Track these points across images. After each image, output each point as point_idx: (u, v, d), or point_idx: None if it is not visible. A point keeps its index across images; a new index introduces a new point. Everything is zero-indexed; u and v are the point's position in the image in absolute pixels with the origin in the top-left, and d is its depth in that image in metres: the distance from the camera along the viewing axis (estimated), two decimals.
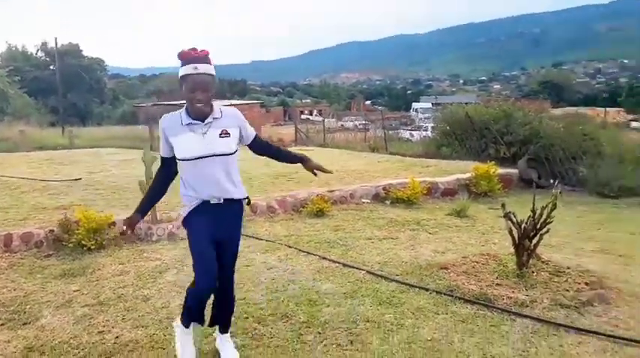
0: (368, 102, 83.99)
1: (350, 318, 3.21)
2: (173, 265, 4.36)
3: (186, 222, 2.51)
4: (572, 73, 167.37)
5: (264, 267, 4.28)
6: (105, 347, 2.85)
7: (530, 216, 3.95)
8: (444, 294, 3.60)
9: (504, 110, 10.66)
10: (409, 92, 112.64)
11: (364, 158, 11.68)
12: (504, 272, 3.91)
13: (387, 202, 7.24)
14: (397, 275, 4.05)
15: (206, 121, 2.42)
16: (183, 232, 5.22)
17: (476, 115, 11.36)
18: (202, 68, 2.35)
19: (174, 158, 2.47)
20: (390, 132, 22.41)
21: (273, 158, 2.75)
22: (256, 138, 2.65)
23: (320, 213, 6.29)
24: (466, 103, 14.50)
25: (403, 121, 36.36)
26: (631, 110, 33.10)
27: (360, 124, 29.74)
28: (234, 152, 2.49)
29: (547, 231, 3.87)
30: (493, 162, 8.57)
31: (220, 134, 2.43)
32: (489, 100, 13.10)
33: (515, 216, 3.97)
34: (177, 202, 6.14)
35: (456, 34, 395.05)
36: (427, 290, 3.69)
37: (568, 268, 3.97)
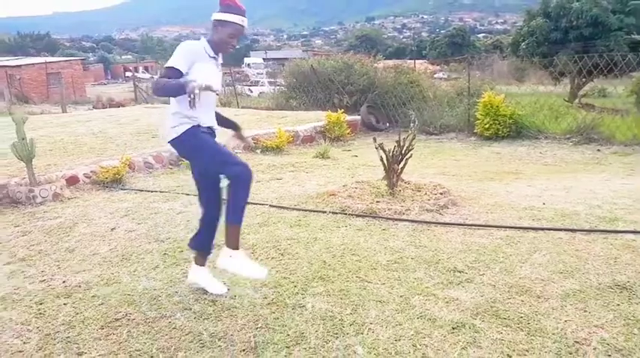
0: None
1: (273, 239, 3.76)
2: (80, 220, 4.36)
3: (189, 133, 2.61)
4: (383, 28, 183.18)
5: (173, 212, 4.53)
6: (57, 291, 2.97)
7: (395, 146, 4.86)
8: (339, 213, 4.35)
9: (345, 62, 11.71)
10: (237, 47, 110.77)
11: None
12: (379, 193, 4.80)
13: (258, 151, 7.76)
14: (295, 205, 4.68)
15: (218, 59, 2.71)
16: (68, 192, 5.11)
17: (320, 68, 12.27)
18: (246, 22, 2.66)
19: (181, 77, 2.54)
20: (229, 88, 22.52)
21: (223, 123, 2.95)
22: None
23: None
24: (302, 59, 15.36)
25: (237, 77, 36.24)
26: (434, 61, 37.75)
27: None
28: None
29: (411, 156, 4.83)
30: (342, 111, 9.58)
31: (220, 70, 2.75)
32: (328, 54, 14.13)
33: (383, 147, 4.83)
34: (56, 163, 5.99)
35: None
36: (324, 212, 4.40)
37: (424, 185, 5.03)
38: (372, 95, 11.25)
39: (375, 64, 12.02)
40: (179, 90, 2.46)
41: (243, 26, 2.66)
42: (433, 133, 10.12)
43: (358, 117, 10.80)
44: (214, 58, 2.70)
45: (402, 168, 4.83)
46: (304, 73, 12.40)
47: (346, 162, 7.33)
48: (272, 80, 33.51)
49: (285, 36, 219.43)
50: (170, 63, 2.51)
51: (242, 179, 2.56)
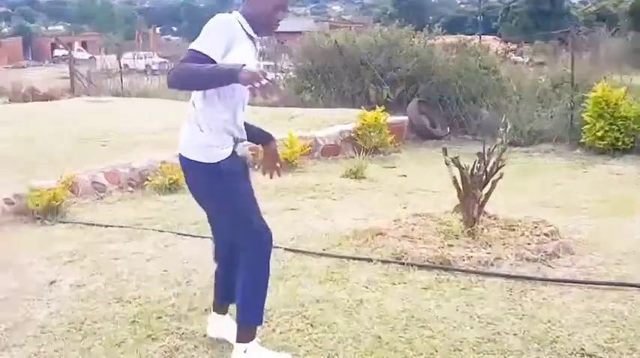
0: (157, 30, 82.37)
1: (295, 302, 3.68)
2: (1, 269, 4.34)
3: (220, 170, 2.77)
4: None
5: (142, 258, 4.49)
6: None
7: (476, 162, 4.80)
8: (393, 263, 4.27)
9: (386, 37, 11.78)
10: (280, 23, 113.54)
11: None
12: (451, 232, 4.72)
13: (256, 166, 7.78)
14: (324, 249, 4.61)
15: (256, 38, 2.87)
16: None
17: (348, 46, 12.38)
18: None
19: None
20: None
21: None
22: None
23: (174, 187, 6.56)
24: (316, 32, 15.50)
25: None
26: (509, 38, 37.88)
27: (154, 64, 29.53)
28: None
29: (500, 177, 4.76)
30: (382, 109, 9.59)
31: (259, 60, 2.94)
32: (359, 26, 14.22)
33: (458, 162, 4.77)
34: None
35: None
36: (370, 260, 4.33)
37: (519, 222, 4.94)
38: (425, 86, 11.30)
39: (431, 41, 12.05)
40: (224, 80, 2.58)
41: None
42: (519, 143, 10.10)
43: (405, 119, 10.83)
44: (251, 39, 2.83)
45: (488, 195, 4.76)
46: (325, 52, 12.49)
47: (391, 184, 7.33)
48: (270, 64, 34.03)
49: None
50: (198, 46, 2.63)
51: (259, 255, 2.88)
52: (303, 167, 8.10)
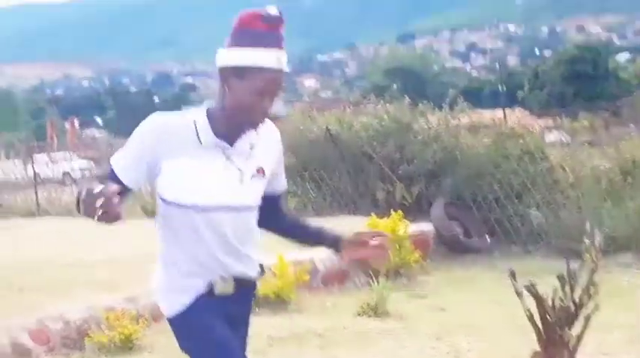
0: (76, 123, 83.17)
1: None
2: None
3: (182, 320, 2.74)
4: (432, 52, 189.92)
5: None
6: None
7: (558, 290, 4.62)
8: None
9: (395, 120, 11.83)
10: (158, 99, 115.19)
11: (147, 231, 11.79)
12: None
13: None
14: None
15: (239, 145, 2.69)
16: None
17: (343, 132, 12.46)
18: (283, 59, 2.64)
19: (130, 192, 2.65)
20: None
21: (286, 229, 3.03)
22: (283, 193, 3.00)
23: (128, 345, 6.36)
24: (289, 115, 15.60)
25: None
26: (542, 112, 38.52)
27: (75, 170, 29.56)
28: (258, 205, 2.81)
29: (596, 309, 4.58)
30: (399, 213, 9.48)
31: (254, 174, 2.73)
32: (358, 103, 14.32)
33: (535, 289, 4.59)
34: None
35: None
36: None
37: None
38: (451, 182, 11.23)
39: (454, 121, 12.13)
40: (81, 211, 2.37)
41: (280, 70, 2.64)
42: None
43: (429, 227, 10.72)
44: (219, 145, 2.67)
45: (580, 337, 4.56)
46: (313, 143, 12.48)
47: (428, 322, 7.18)
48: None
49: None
50: (113, 160, 2.68)
51: None
52: (302, 303, 7.90)
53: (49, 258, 9.37)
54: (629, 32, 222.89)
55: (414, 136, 11.77)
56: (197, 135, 2.62)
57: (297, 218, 3.14)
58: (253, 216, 2.80)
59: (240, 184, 2.69)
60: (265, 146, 2.78)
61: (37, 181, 19.62)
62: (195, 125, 2.63)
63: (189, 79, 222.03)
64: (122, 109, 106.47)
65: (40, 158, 28.54)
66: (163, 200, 2.67)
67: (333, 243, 2.97)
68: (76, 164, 30.18)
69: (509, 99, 49.31)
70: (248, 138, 2.70)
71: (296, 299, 7.92)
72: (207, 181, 2.63)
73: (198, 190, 2.61)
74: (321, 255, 9.00)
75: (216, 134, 2.64)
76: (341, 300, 8.22)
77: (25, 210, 16.94)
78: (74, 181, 25.63)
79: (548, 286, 4.67)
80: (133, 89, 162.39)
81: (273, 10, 2.61)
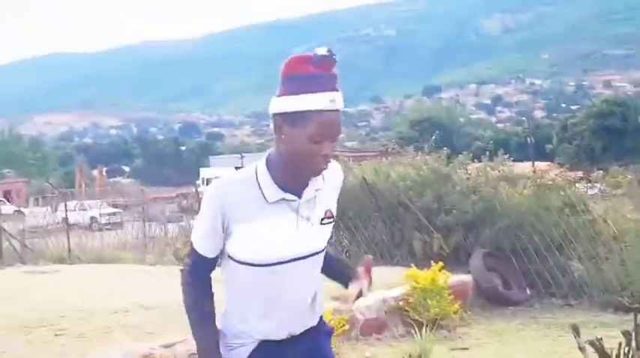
0: (104, 171, 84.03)
1: None
2: None
3: None
4: (458, 104, 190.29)
5: None
6: None
7: (622, 345, 4.43)
8: None
9: (433, 170, 11.70)
10: (185, 148, 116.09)
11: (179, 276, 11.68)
12: None
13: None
14: None
15: (306, 195, 2.65)
16: None
17: (379, 181, 12.35)
18: (338, 99, 2.56)
19: (217, 259, 2.69)
20: (171, 224, 22.97)
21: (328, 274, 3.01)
22: None
23: None
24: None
25: (188, 203, 36.99)
26: (574, 166, 38.39)
27: (103, 216, 29.73)
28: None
29: None
30: (441, 264, 9.33)
31: (323, 218, 2.72)
32: (393, 153, 14.21)
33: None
34: None
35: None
36: None
37: None
38: (491, 233, 11.07)
39: (494, 171, 11.98)
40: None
41: (335, 111, 2.55)
42: (631, 308, 9.70)
43: (468, 278, 10.56)
44: (286, 200, 2.63)
45: None
46: (348, 192, 12.34)
47: None
48: None
49: (272, 124, 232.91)
50: (193, 239, 2.73)
51: None
52: (341, 354, 7.72)
53: (85, 304, 9.25)
54: None
55: (452, 186, 11.63)
56: (262, 192, 2.58)
57: (340, 262, 3.13)
58: (321, 259, 2.77)
59: (310, 234, 2.65)
60: (330, 187, 2.75)
61: (67, 227, 19.60)
62: (258, 181, 2.58)
63: (215, 129, 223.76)
64: (149, 157, 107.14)
65: (70, 205, 28.79)
66: (233, 259, 2.64)
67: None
68: (103, 211, 30.42)
69: (537, 152, 49.13)
70: (314, 185, 2.64)
71: (335, 349, 7.75)
72: (277, 240, 2.59)
73: (270, 250, 2.59)
74: (359, 305, 8.87)
75: (281, 186, 2.58)
76: (381, 351, 8.05)
77: (56, 256, 16.88)
78: (101, 227, 25.84)
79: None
80: (160, 137, 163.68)
81: (322, 51, 2.52)
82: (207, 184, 47.71)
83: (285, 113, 2.51)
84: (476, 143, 59.57)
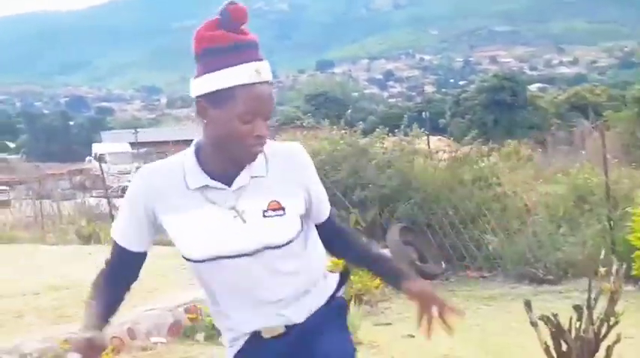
0: None
1: None
2: None
3: None
4: (351, 79, 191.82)
5: None
6: None
7: (576, 315, 4.42)
8: None
9: (350, 144, 11.65)
10: (73, 123, 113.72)
11: (86, 256, 11.31)
12: None
13: (200, 337, 7.30)
14: None
15: (238, 182, 2.34)
16: None
17: None
18: (265, 71, 2.29)
19: (138, 260, 2.48)
20: (65, 202, 22.50)
21: (353, 261, 2.74)
22: (331, 216, 2.62)
23: None
24: None
25: (78, 181, 36.31)
26: (466, 139, 39.48)
27: None
28: (296, 237, 2.42)
29: (618, 341, 4.37)
30: None
31: (266, 210, 2.35)
32: (308, 127, 13.99)
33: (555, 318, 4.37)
34: None
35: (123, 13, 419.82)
36: None
37: None
38: (406, 207, 11.12)
39: (415, 145, 12.04)
40: None
41: (264, 83, 2.29)
42: (547, 280, 9.93)
43: (384, 253, 10.51)
44: (210, 188, 2.35)
45: None
46: None
47: (402, 352, 7.01)
48: None
49: (164, 99, 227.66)
50: (112, 229, 2.52)
51: None
52: None
53: None
54: (540, 64, 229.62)
55: (368, 161, 11.60)
56: (184, 178, 2.32)
57: (366, 249, 2.71)
58: (287, 256, 2.42)
59: (250, 227, 2.33)
60: (281, 174, 2.40)
61: None
62: (184, 168, 2.33)
63: (104, 104, 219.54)
64: (36, 133, 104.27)
65: None
66: (185, 258, 2.42)
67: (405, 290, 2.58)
68: None
69: (431, 127, 49.85)
70: (249, 171, 2.34)
71: None
72: (206, 234, 2.32)
73: (199, 245, 2.33)
74: None
75: (210, 173, 2.32)
76: None
77: None
78: None
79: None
80: (46, 112, 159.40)
81: (231, 6, 2.23)
82: (98, 160, 46.87)
83: (207, 94, 2.24)
84: (370, 118, 60.09)
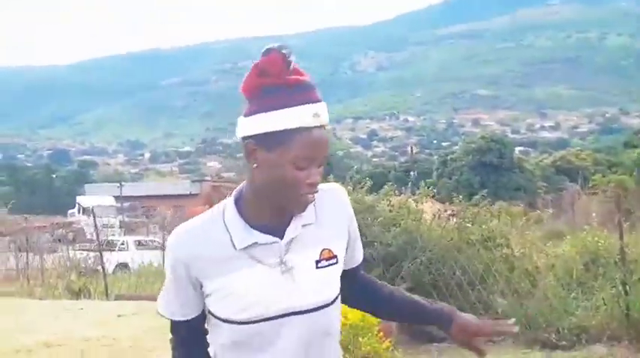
0: None
1: None
2: None
3: None
4: (335, 138, 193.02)
5: None
6: None
7: None
8: None
9: (358, 201, 11.46)
10: (56, 176, 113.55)
11: (78, 312, 11.02)
12: None
13: None
14: None
15: (290, 234, 2.15)
16: None
17: None
18: (324, 114, 2.10)
19: (203, 320, 2.25)
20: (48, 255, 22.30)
21: (382, 312, 2.65)
22: (362, 264, 2.47)
23: None
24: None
25: (61, 233, 36.14)
26: (454, 200, 39.68)
27: None
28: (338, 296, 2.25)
29: None
30: None
31: (319, 260, 2.18)
32: None
33: None
34: None
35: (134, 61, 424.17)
36: None
37: None
38: (412, 266, 10.87)
39: (420, 205, 11.82)
40: None
41: (321, 128, 2.09)
42: (558, 344, 9.66)
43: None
44: (258, 245, 2.14)
45: None
46: None
47: None
48: (139, 239, 33.23)
49: (148, 154, 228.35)
50: (158, 303, 2.35)
51: None
52: None
53: None
54: (522, 128, 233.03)
55: (374, 219, 11.39)
56: (230, 237, 2.10)
57: (390, 292, 2.51)
58: (332, 315, 2.23)
59: (302, 282, 2.15)
60: (329, 218, 2.22)
61: None
62: (225, 224, 2.12)
63: (87, 157, 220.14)
64: (18, 185, 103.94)
65: None
66: (214, 316, 2.20)
67: (446, 325, 2.57)
68: None
69: (417, 187, 50.13)
70: (300, 220, 2.14)
71: None
72: (258, 293, 2.11)
73: (251, 305, 2.11)
74: None
75: (256, 227, 2.10)
76: None
77: None
78: None
79: None
80: (29, 165, 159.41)
81: (284, 49, 2.08)
82: (86, 213, 46.54)
83: (259, 135, 2.05)
84: (356, 176, 60.23)
